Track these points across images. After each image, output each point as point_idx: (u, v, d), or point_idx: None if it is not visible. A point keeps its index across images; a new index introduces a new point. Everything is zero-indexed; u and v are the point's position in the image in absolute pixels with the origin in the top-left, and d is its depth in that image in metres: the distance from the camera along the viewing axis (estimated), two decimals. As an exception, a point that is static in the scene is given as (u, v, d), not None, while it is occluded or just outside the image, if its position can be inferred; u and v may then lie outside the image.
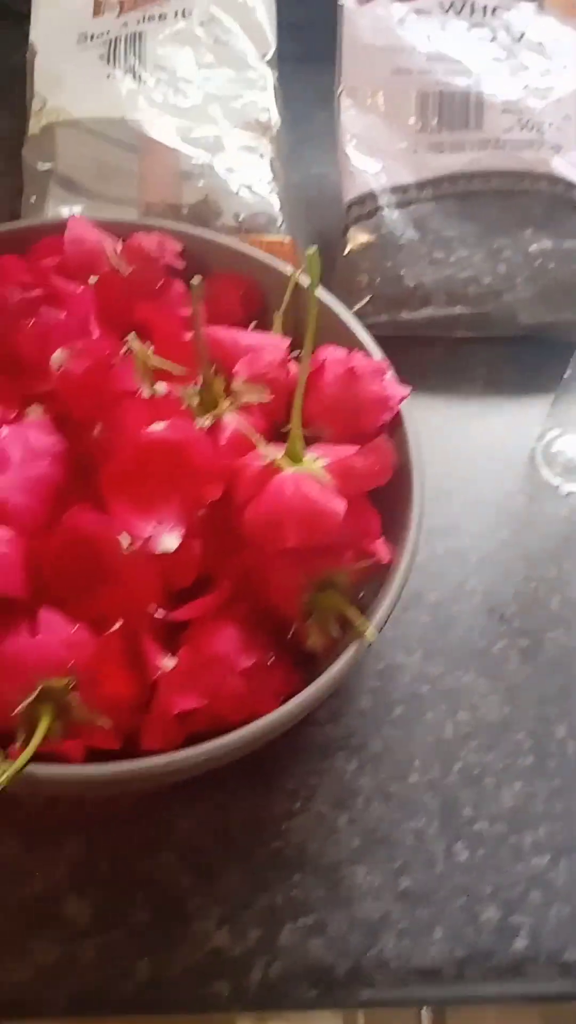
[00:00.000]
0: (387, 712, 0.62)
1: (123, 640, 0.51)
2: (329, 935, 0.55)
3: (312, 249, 0.51)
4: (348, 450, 0.54)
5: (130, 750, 0.50)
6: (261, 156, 0.79)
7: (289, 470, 0.52)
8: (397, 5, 0.77)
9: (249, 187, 0.77)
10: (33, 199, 0.76)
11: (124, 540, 0.51)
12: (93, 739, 0.50)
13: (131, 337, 0.53)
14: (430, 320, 0.73)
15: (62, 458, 0.54)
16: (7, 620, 0.49)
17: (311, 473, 0.52)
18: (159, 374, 0.56)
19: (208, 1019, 0.69)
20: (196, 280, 0.53)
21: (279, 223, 0.77)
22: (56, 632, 0.50)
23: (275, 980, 0.54)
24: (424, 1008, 0.77)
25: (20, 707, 0.48)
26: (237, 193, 0.77)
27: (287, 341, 0.60)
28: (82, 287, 0.58)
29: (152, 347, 0.56)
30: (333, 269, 0.75)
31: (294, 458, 0.53)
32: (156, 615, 0.52)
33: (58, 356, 0.55)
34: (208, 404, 0.56)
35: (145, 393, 0.54)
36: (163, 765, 0.48)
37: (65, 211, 0.76)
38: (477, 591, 0.66)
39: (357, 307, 0.72)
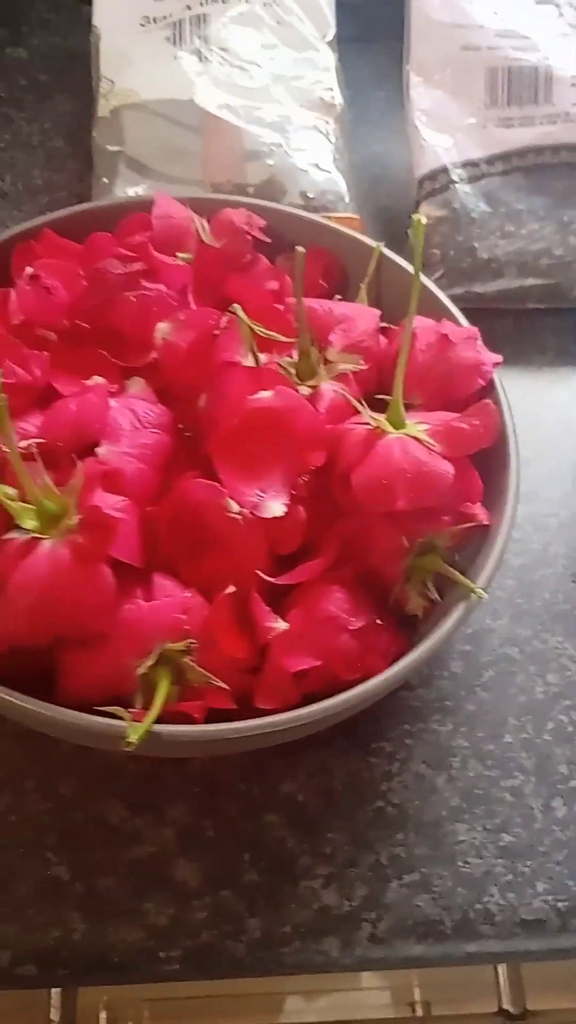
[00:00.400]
0: (478, 675, 0.63)
1: (234, 604, 0.52)
2: (434, 891, 0.56)
3: (417, 217, 0.52)
4: (446, 414, 0.55)
5: (242, 711, 0.51)
6: (326, 135, 0.80)
7: (393, 434, 0.53)
8: (465, -19, 0.78)
9: (316, 165, 0.78)
10: (104, 180, 0.77)
11: (232, 506, 0.51)
12: (210, 700, 0.50)
13: (236, 308, 0.53)
14: (502, 292, 0.74)
15: (169, 427, 0.55)
16: (123, 586, 0.50)
17: (416, 436, 0.53)
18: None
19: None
20: (299, 250, 0.54)
21: (347, 200, 0.78)
22: (171, 597, 0.51)
23: (383, 936, 0.55)
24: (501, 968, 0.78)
25: (139, 670, 0.49)
26: (305, 172, 0.77)
27: (377, 312, 0.61)
28: (179, 261, 0.59)
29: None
30: (403, 243, 0.75)
31: (396, 424, 0.54)
32: (266, 579, 0.52)
33: (163, 328, 0.56)
34: (306, 373, 0.57)
35: (247, 363, 0.55)
36: (289, 720, 0.49)
37: (133, 192, 0.77)
38: (560, 556, 0.67)
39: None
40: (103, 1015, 0.80)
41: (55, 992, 0.73)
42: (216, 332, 0.55)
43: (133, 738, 0.46)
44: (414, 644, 0.54)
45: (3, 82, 0.87)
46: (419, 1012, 0.83)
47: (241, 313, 0.53)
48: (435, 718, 0.61)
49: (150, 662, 0.50)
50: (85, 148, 0.81)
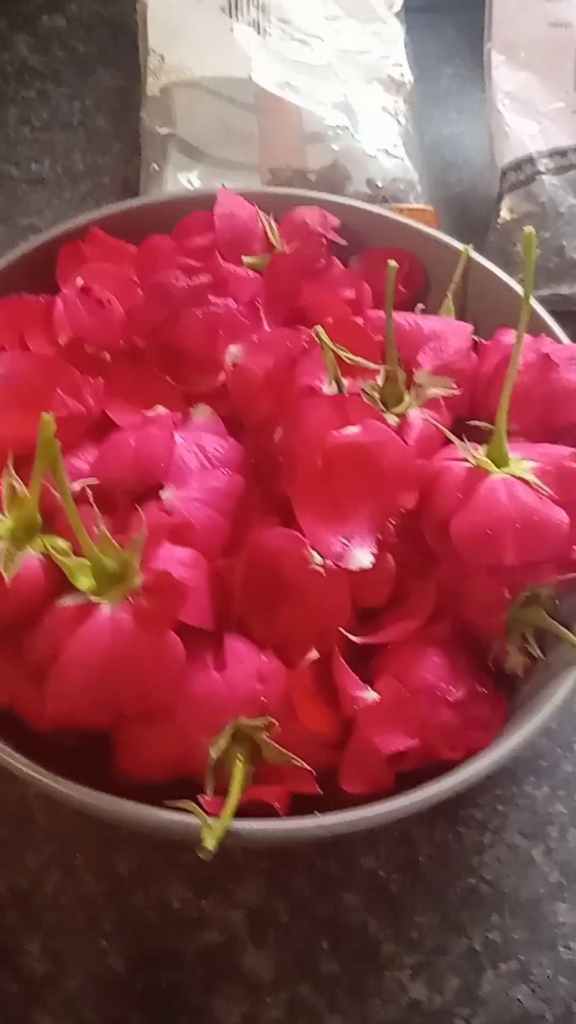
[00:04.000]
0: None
1: (316, 668, 0.46)
2: (534, 981, 0.50)
3: (529, 231, 0.45)
4: (554, 450, 0.48)
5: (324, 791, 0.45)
6: (395, 116, 0.73)
7: (497, 474, 0.46)
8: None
9: (386, 151, 0.72)
10: (154, 166, 0.70)
11: (315, 558, 0.45)
12: (292, 784, 0.44)
13: (319, 331, 0.46)
14: (593, 294, 0.67)
15: (241, 465, 0.48)
16: (190, 650, 0.44)
17: (523, 478, 0.46)
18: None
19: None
20: (392, 265, 0.48)
21: (418, 189, 0.71)
22: (246, 664, 0.45)
23: (479, 1035, 0.49)
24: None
25: (212, 753, 0.43)
26: (373, 157, 0.71)
27: (469, 327, 0.54)
28: (252, 272, 0.52)
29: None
30: (484, 239, 0.69)
31: (499, 461, 0.47)
32: (354, 640, 0.46)
33: (234, 351, 0.49)
34: (392, 399, 0.51)
35: (329, 390, 0.48)
36: (388, 813, 0.43)
37: (185, 179, 0.70)
38: None
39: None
40: None
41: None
42: (297, 356, 0.48)
43: (210, 844, 0.40)
44: (515, 708, 0.48)
45: (39, 54, 0.79)
46: None
47: (325, 337, 0.46)
48: (529, 780, 0.55)
49: (223, 743, 0.43)
50: (130, 128, 0.75)
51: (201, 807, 0.41)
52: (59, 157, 0.76)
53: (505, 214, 0.67)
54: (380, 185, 0.70)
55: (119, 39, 0.79)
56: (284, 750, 0.44)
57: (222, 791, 0.43)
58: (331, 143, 0.71)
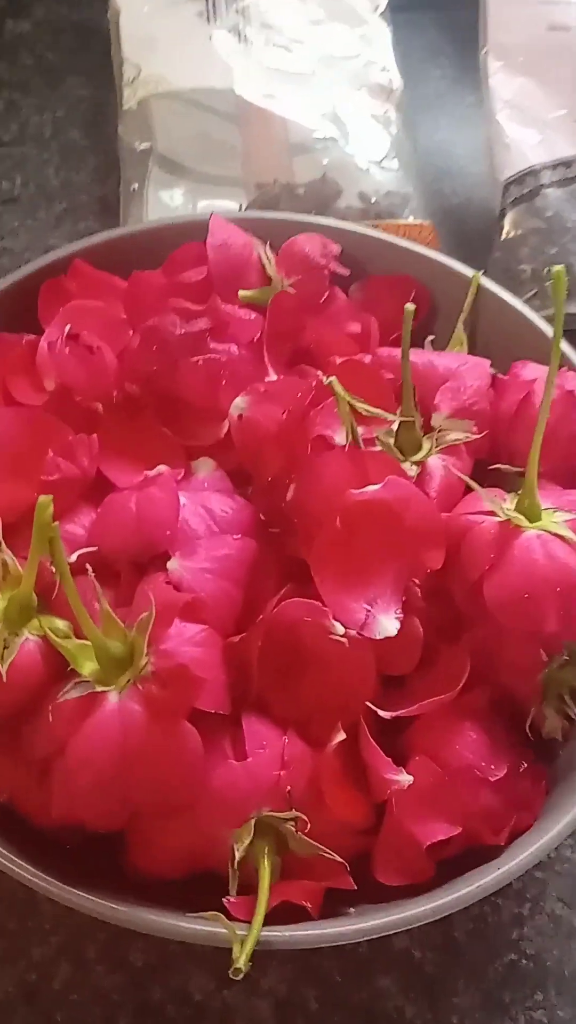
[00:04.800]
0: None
1: (343, 748, 0.42)
2: (583, 1066, 0.47)
3: (559, 269, 0.41)
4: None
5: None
6: (387, 125, 0.69)
7: (531, 531, 0.42)
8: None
9: (378, 162, 0.67)
10: (135, 186, 0.66)
11: (337, 628, 0.41)
12: (324, 879, 0.40)
13: (334, 382, 0.42)
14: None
15: (252, 526, 0.44)
16: (205, 735, 0.40)
17: (559, 534, 0.42)
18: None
19: None
20: (409, 308, 0.44)
21: (412, 203, 0.67)
22: (267, 749, 0.41)
23: None
24: None
25: (236, 849, 0.39)
26: (366, 169, 0.67)
27: (486, 363, 0.50)
28: (252, 312, 0.48)
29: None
30: (485, 255, 0.65)
31: (532, 515, 0.43)
32: (382, 715, 0.42)
33: (240, 403, 0.45)
34: (409, 447, 0.47)
35: (341, 440, 0.44)
36: (432, 912, 0.39)
37: (167, 197, 0.66)
38: None
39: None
40: None
41: None
42: (307, 406, 0.44)
43: (241, 963, 0.36)
44: (556, 776, 0.45)
45: (4, 62, 0.75)
46: None
47: (340, 388, 0.42)
48: (568, 843, 0.51)
49: (247, 838, 0.39)
50: (105, 141, 0.71)
51: (225, 911, 0.38)
52: (31, 174, 0.72)
53: (509, 230, 0.64)
54: (373, 199, 0.67)
55: (90, 46, 0.74)
56: (314, 843, 0.40)
57: (245, 887, 0.39)
58: (319, 155, 0.67)
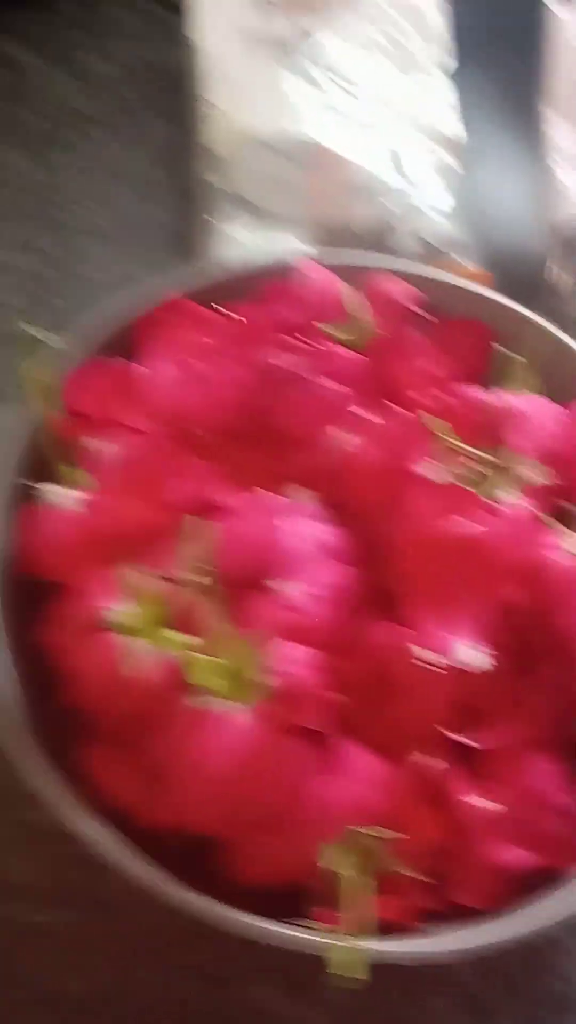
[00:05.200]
0: None
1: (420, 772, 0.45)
2: None
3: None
4: None
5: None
6: (446, 173, 0.72)
7: (607, 567, 0.46)
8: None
9: (436, 207, 0.70)
10: (208, 222, 0.69)
11: (427, 656, 0.44)
12: (412, 898, 0.43)
13: (438, 423, 0.46)
14: None
15: (351, 556, 0.47)
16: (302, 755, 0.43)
17: None
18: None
19: None
20: (520, 360, 0.47)
21: (467, 249, 0.70)
22: (360, 769, 0.44)
23: None
24: None
25: (333, 864, 0.42)
26: (423, 213, 0.70)
27: (562, 409, 0.53)
28: (352, 351, 0.51)
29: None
30: (532, 301, 0.68)
31: (606, 554, 0.46)
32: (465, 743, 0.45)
33: (346, 437, 0.48)
34: (494, 485, 0.50)
35: (435, 476, 0.47)
36: (528, 921, 0.42)
37: (239, 234, 0.69)
38: None
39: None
40: None
41: None
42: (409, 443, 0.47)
43: (362, 972, 0.39)
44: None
45: (91, 100, 0.77)
46: None
47: (442, 429, 0.45)
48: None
49: (342, 854, 0.42)
50: (181, 179, 0.73)
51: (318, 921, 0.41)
52: (117, 209, 0.74)
53: (562, 278, 0.67)
54: (431, 244, 0.69)
55: (167, 86, 0.77)
56: (395, 859, 0.43)
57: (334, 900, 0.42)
58: (380, 198, 0.70)
